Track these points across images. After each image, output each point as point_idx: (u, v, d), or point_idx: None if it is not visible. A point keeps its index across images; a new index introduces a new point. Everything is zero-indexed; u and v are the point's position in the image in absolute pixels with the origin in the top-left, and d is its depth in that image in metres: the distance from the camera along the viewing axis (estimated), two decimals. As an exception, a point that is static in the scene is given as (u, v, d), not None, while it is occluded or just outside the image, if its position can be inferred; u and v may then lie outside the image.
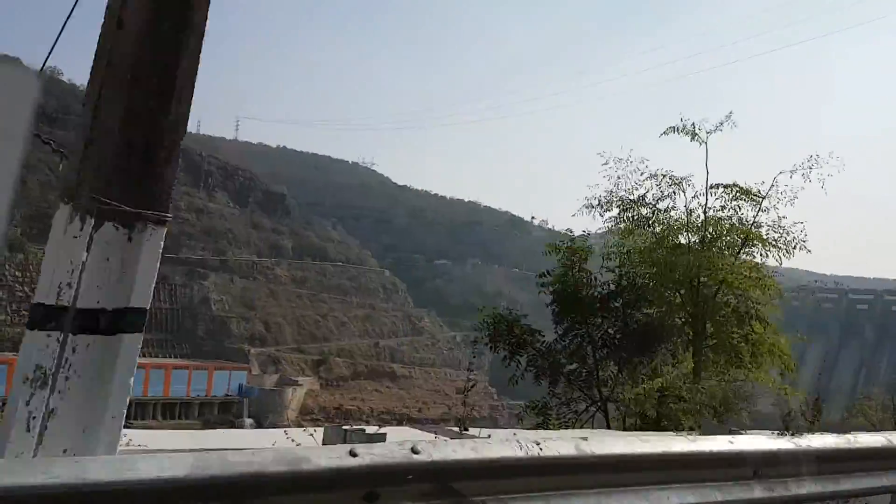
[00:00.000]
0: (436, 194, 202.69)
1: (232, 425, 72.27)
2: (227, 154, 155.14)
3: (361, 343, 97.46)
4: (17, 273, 70.51)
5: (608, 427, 17.33)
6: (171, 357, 78.67)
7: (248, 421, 71.90)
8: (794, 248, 20.62)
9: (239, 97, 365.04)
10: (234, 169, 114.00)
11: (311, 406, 78.58)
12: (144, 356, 78.84)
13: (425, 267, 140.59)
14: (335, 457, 2.60)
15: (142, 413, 67.13)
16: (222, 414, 71.98)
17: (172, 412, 68.52)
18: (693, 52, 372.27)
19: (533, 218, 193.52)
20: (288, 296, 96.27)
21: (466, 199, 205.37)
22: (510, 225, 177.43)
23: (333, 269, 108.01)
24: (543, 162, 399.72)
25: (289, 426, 74.20)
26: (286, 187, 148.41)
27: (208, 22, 3.22)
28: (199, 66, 3.25)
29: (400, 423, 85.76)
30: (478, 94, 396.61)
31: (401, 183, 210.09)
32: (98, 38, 3.16)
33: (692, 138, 21.17)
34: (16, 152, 0.69)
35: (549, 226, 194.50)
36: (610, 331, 19.90)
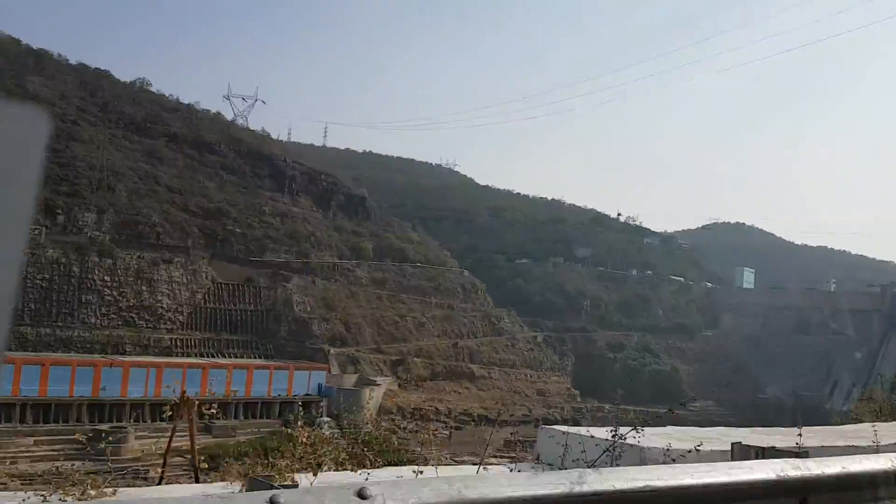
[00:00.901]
0: (518, 193, 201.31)
1: (312, 423, 73.87)
2: (315, 160, 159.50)
3: (440, 343, 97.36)
4: (105, 278, 74.15)
5: None
6: (255, 357, 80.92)
7: (326, 420, 73.06)
8: None
9: (329, 104, 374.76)
10: (317, 174, 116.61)
11: (389, 406, 78.90)
12: (227, 357, 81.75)
13: (505, 266, 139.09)
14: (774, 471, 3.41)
15: (224, 412, 69.36)
16: (303, 413, 73.32)
17: (254, 411, 70.26)
18: (780, 32, 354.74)
19: (619, 214, 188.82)
20: (367, 297, 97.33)
21: (550, 198, 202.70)
22: (594, 222, 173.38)
23: (412, 269, 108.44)
24: (629, 157, 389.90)
25: (368, 425, 75.06)
26: (367, 190, 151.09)
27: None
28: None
29: (478, 424, 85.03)
30: (560, 89, 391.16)
31: (483, 183, 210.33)
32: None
33: None
34: (30, 197, 0.68)
35: (637, 222, 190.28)
36: None
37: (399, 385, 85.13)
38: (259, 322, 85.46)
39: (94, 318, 73.59)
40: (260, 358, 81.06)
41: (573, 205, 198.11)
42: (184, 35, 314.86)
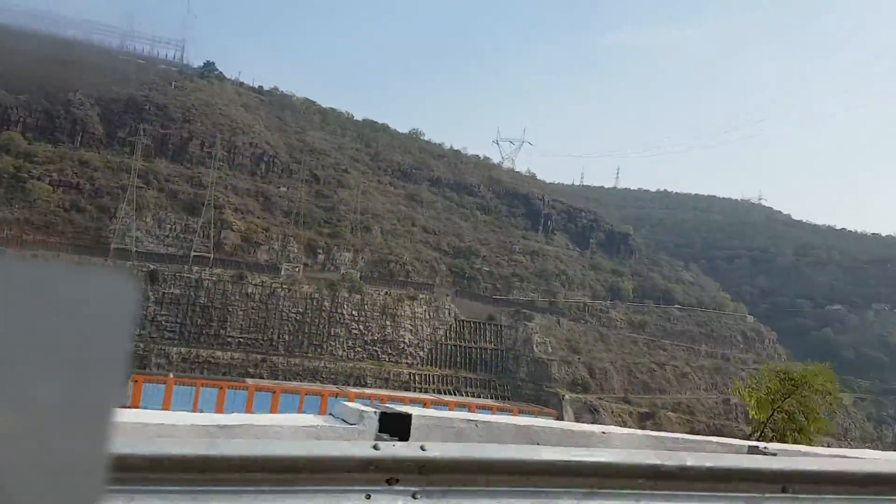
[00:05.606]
0: (841, 229, 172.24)
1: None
2: (603, 201, 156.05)
3: (706, 398, 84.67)
4: (353, 312, 78.22)
5: None
6: (490, 398, 78.48)
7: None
8: None
9: (624, 145, 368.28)
10: (577, 211, 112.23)
11: (628, 464, 69.97)
12: (463, 395, 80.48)
13: (811, 313, 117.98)
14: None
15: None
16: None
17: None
18: None
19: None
20: (620, 341, 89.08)
21: (884, 234, 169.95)
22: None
23: (679, 312, 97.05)
24: None
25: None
26: (649, 230, 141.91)
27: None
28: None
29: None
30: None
31: (798, 218, 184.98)
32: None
33: None
34: (121, 359, 0.74)
35: None
36: None
37: (646, 441, 75.27)
38: (498, 361, 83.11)
39: (340, 350, 78.03)
40: (497, 399, 78.31)
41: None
42: (460, 88, 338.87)
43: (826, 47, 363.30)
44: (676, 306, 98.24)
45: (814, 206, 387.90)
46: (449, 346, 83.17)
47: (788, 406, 22.80)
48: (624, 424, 76.05)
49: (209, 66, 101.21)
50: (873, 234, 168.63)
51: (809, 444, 19.52)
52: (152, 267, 69.01)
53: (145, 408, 53.92)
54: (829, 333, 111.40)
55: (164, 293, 68.71)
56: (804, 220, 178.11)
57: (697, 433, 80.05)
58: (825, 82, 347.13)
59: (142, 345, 65.23)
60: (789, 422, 22.00)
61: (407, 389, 76.57)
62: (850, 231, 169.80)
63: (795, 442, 18.96)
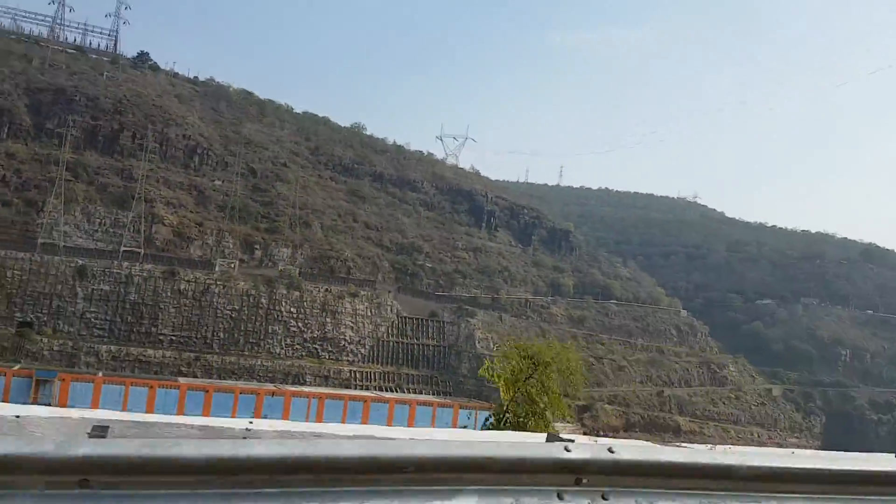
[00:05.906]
0: (772, 226, 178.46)
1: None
2: (547, 198, 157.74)
3: (641, 390, 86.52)
4: (292, 309, 76.97)
5: None
6: (432, 394, 78.45)
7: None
8: None
9: (566, 144, 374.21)
10: (519, 208, 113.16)
11: (567, 457, 70.89)
12: (406, 391, 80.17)
13: (742, 308, 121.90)
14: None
15: (381, 448, 67.18)
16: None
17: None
18: None
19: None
20: (561, 335, 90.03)
21: (813, 231, 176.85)
22: (864, 257, 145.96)
23: (617, 307, 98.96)
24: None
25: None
26: (591, 227, 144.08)
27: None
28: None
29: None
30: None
31: (732, 216, 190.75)
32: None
33: None
34: None
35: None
36: None
37: (583, 433, 76.44)
38: (440, 357, 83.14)
39: (278, 348, 76.69)
40: (439, 395, 78.36)
41: (845, 238, 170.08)
42: (405, 83, 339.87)
43: (756, 48, 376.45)
44: (614, 301, 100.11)
45: (746, 204, 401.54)
46: (391, 343, 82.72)
47: (530, 387, 20.33)
48: (562, 417, 77.19)
49: (143, 56, 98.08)
50: (802, 230, 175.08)
51: (546, 429, 17.79)
52: (81, 262, 66.44)
53: (72, 407, 51.95)
54: (760, 327, 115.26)
55: (93, 289, 66.24)
56: (737, 218, 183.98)
57: (633, 425, 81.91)
58: (757, 82, 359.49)
59: (70, 342, 62.87)
60: (530, 404, 19.35)
61: (347, 387, 75.76)
62: (781, 228, 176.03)
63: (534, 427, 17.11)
